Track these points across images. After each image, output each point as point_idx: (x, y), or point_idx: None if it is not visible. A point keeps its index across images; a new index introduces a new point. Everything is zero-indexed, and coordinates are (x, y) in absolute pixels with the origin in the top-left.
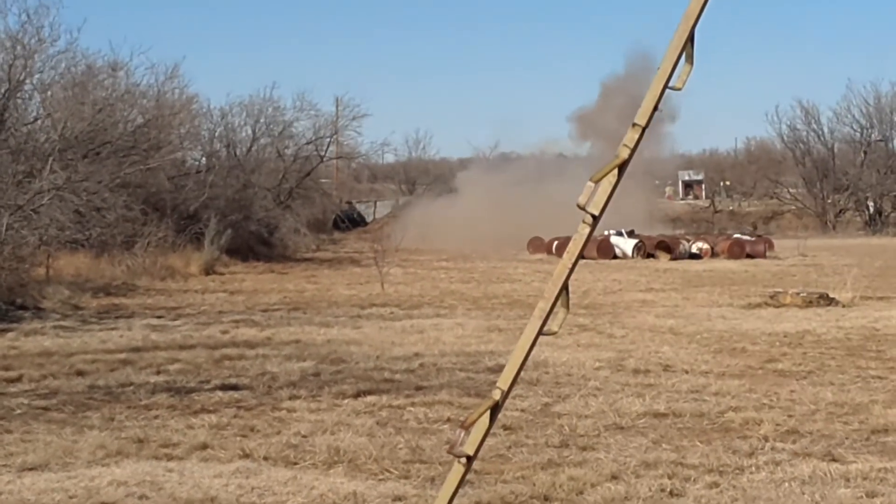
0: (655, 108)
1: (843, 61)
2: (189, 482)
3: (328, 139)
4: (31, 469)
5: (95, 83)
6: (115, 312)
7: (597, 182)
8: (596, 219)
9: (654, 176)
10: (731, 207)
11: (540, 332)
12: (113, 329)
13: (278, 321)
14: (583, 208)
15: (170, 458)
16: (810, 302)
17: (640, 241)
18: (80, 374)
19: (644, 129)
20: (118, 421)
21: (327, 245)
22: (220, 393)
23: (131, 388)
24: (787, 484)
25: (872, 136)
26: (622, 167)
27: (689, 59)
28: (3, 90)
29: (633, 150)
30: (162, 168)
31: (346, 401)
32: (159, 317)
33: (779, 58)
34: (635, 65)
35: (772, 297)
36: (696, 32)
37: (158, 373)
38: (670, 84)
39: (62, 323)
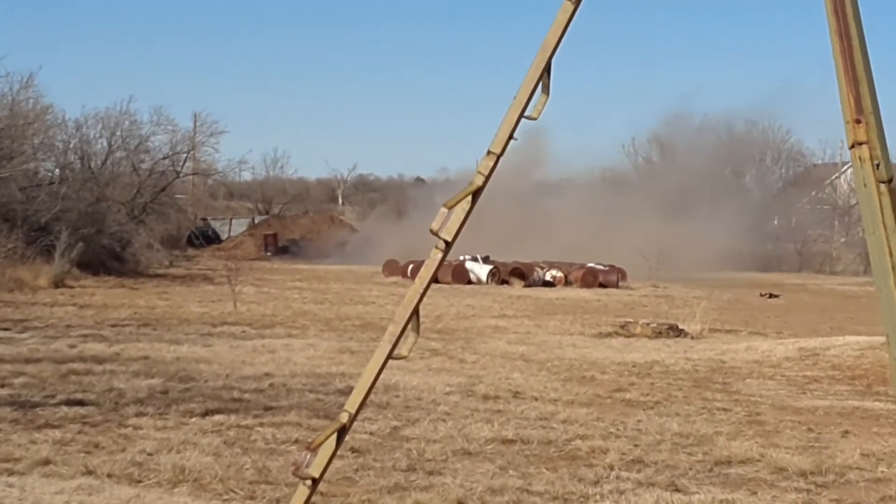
0: (510, 137)
1: (698, 97)
2: (30, 498)
3: (185, 155)
4: None
5: None
6: None
7: (450, 208)
8: (448, 244)
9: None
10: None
11: (389, 356)
12: None
13: (127, 337)
14: (436, 234)
15: (10, 473)
16: (660, 333)
17: (495, 267)
18: None
19: (499, 157)
20: None
21: (181, 261)
22: (65, 408)
23: None
24: None
25: (725, 171)
26: (476, 194)
27: (546, 90)
28: None
29: (488, 178)
30: (13, 178)
31: (193, 419)
32: (5, 329)
33: (636, 90)
34: None
35: (622, 327)
36: (553, 64)
37: (2, 386)
38: (526, 113)
39: None
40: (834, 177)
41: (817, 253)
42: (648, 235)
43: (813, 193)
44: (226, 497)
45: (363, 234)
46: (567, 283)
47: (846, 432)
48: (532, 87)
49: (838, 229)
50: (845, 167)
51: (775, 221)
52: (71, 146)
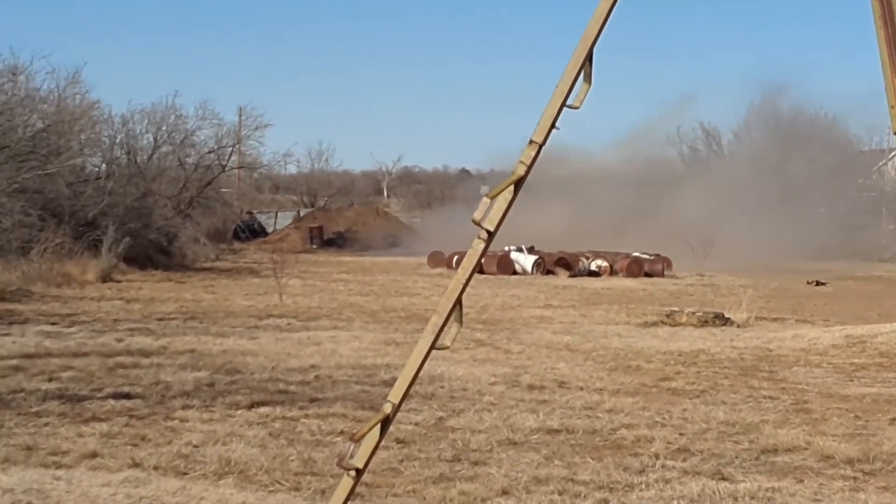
0: (552, 126)
1: (746, 85)
2: (77, 491)
3: (230, 149)
4: None
5: None
6: (8, 318)
7: (493, 198)
8: (491, 234)
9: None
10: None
11: (433, 347)
12: (6, 335)
13: (174, 330)
14: (478, 224)
15: (58, 466)
16: (706, 321)
17: (540, 258)
18: None
19: (541, 147)
20: (7, 428)
21: (227, 255)
22: (112, 401)
23: (22, 394)
24: (675, 502)
25: (773, 158)
26: (518, 183)
27: (588, 79)
28: None
29: (530, 167)
30: (61, 174)
31: (239, 411)
32: (53, 323)
33: (681, 80)
34: None
35: (668, 316)
36: (595, 52)
37: (50, 380)
38: (568, 103)
39: None
40: (881, 163)
41: (865, 240)
42: (695, 224)
43: (860, 181)
44: (271, 488)
45: (428, 226)
46: (612, 272)
47: (894, 420)
48: (574, 76)
49: (886, 216)
50: (892, 153)
51: (822, 209)
52: (117, 141)
